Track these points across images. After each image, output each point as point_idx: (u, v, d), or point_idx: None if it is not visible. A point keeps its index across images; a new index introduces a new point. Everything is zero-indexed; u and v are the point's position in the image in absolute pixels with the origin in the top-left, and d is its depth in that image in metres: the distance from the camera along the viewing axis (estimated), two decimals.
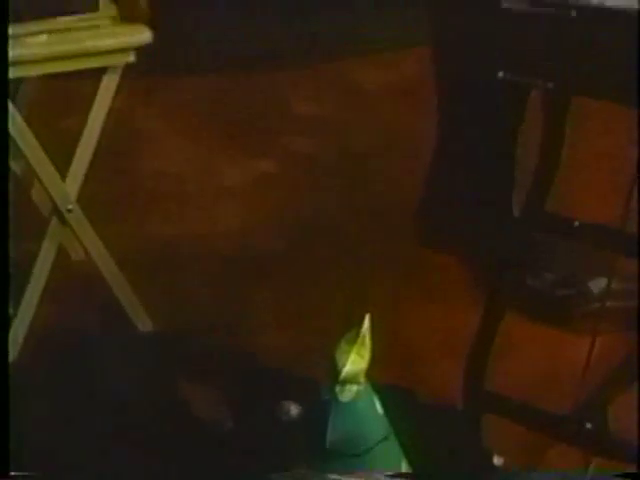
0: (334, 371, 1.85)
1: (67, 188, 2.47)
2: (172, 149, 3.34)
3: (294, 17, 3.66)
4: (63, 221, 2.49)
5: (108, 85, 2.47)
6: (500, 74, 2.11)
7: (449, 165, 2.70)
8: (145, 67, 2.47)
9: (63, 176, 2.48)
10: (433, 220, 2.76)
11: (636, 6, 1.96)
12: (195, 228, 2.99)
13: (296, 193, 3.13)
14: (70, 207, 2.48)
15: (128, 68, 2.46)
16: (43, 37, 2.33)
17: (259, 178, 3.21)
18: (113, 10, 2.44)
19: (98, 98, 2.49)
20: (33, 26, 2.34)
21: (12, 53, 2.25)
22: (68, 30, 2.37)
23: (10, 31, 2.26)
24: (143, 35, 2.43)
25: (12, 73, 2.28)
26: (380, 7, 3.68)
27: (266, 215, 3.04)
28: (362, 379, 1.86)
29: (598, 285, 2.49)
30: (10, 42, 2.25)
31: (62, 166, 2.50)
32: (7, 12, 2.11)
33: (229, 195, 3.14)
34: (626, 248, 2.13)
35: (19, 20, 2.30)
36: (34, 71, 2.38)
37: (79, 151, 2.48)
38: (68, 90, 2.86)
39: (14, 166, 2.68)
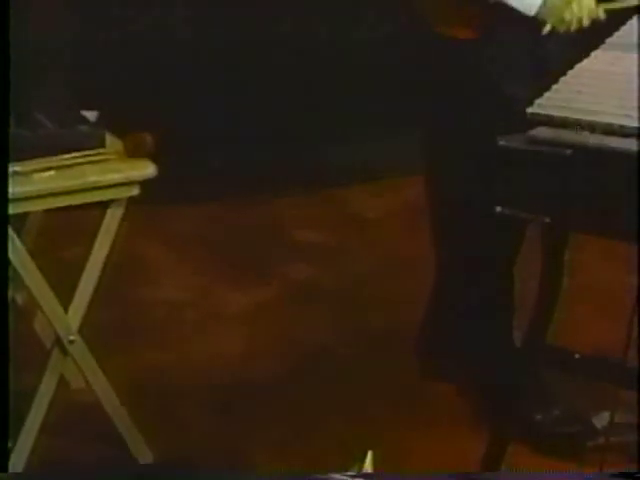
0: None
1: (69, 320, 2.49)
2: (173, 277, 3.36)
3: (296, 145, 3.73)
4: (65, 352, 2.50)
5: (112, 217, 2.51)
6: (498, 209, 2.14)
7: (449, 295, 2.71)
8: (148, 197, 2.51)
9: (66, 307, 2.50)
10: (433, 351, 2.76)
11: (632, 147, 2.01)
12: (195, 356, 2.99)
13: (296, 320, 3.14)
14: (72, 338, 2.49)
15: (132, 199, 2.50)
16: (50, 173, 2.38)
17: (259, 305, 3.23)
18: (119, 145, 2.49)
19: (102, 230, 2.52)
20: (41, 163, 2.38)
21: (19, 190, 2.31)
22: (74, 165, 2.42)
23: (18, 168, 2.33)
24: (148, 170, 2.47)
25: (18, 208, 2.34)
26: (380, 137, 3.75)
27: (266, 342, 3.05)
28: None
29: (601, 420, 2.48)
30: (17, 179, 2.32)
31: (65, 296, 2.52)
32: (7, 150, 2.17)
33: (230, 322, 3.15)
34: (627, 381, 2.14)
35: (28, 158, 2.35)
36: (40, 206, 2.43)
37: (82, 283, 2.50)
38: (72, 220, 2.90)
39: (17, 296, 2.70)
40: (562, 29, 2.40)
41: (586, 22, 2.40)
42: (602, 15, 2.42)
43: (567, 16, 2.38)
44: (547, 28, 2.40)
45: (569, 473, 2.13)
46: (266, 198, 3.68)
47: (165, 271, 3.40)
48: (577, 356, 2.25)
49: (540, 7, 2.37)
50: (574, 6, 2.38)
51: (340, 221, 3.65)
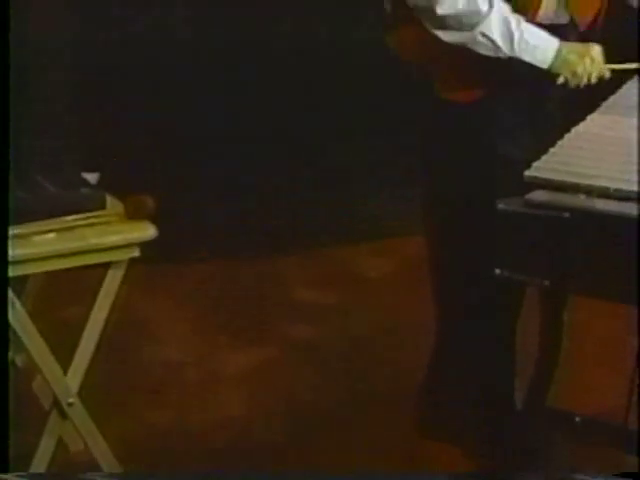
0: None
1: (68, 382, 2.48)
2: (173, 337, 3.36)
3: (297, 203, 3.74)
4: (63, 415, 2.49)
5: (112, 278, 2.52)
6: (497, 271, 2.15)
7: (449, 356, 2.71)
8: (148, 256, 2.52)
9: (65, 368, 2.50)
10: (434, 412, 2.75)
11: (629, 211, 2.02)
12: (195, 417, 2.98)
13: (297, 380, 3.13)
14: (71, 401, 2.48)
15: (132, 258, 2.51)
16: (50, 235, 2.39)
17: (259, 365, 3.22)
18: (120, 207, 2.51)
19: (102, 291, 2.53)
20: (41, 225, 2.40)
21: (19, 252, 2.32)
22: (75, 228, 2.43)
23: (18, 231, 2.34)
24: (148, 231, 2.48)
25: (18, 271, 2.34)
26: (381, 195, 3.77)
27: (266, 403, 3.03)
28: None
29: None
30: (18, 241, 2.33)
31: (65, 357, 2.52)
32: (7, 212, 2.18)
33: (229, 383, 3.14)
34: (627, 445, 2.13)
35: (28, 220, 2.36)
36: (40, 268, 2.43)
37: (82, 344, 2.50)
38: (73, 280, 2.90)
39: (17, 358, 2.70)
40: (574, 83, 2.42)
41: (594, 79, 2.43)
42: (608, 74, 2.45)
43: (580, 70, 2.40)
44: (560, 80, 2.42)
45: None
46: (266, 257, 3.68)
47: (164, 331, 3.39)
48: (578, 419, 2.25)
49: (553, 60, 2.40)
50: (587, 61, 2.40)
51: (341, 280, 3.65)
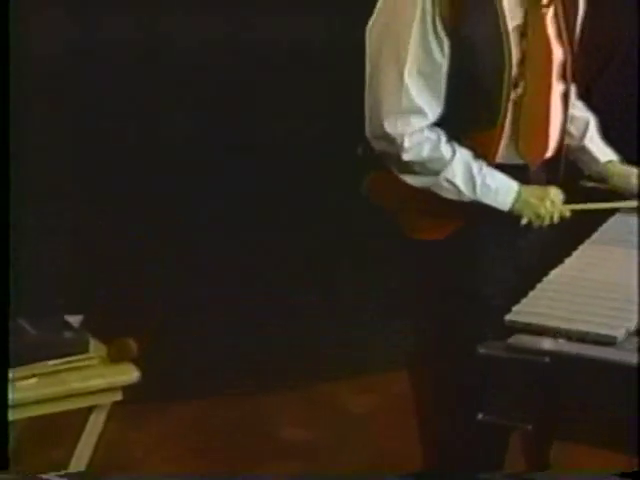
0: None
1: None
2: (158, 477, 3.32)
3: (280, 343, 3.74)
4: None
5: (95, 421, 2.52)
6: (480, 416, 2.14)
7: None
8: (132, 396, 2.51)
9: None
10: None
11: (608, 355, 2.03)
12: None
13: None
14: None
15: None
16: (33, 380, 2.39)
17: None
18: (103, 350, 2.51)
19: (85, 434, 2.52)
20: (24, 370, 2.40)
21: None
22: (57, 372, 2.43)
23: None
24: (131, 375, 2.49)
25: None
26: (366, 332, 3.77)
27: None
28: None
29: None
30: None
31: None
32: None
33: None
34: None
35: (11, 365, 2.35)
36: (22, 414, 2.42)
37: None
38: (56, 421, 2.89)
39: None
40: (537, 224, 2.48)
41: (556, 219, 2.49)
42: (568, 214, 2.51)
43: (542, 211, 2.48)
44: (524, 221, 2.48)
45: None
46: (251, 395, 3.66)
47: (149, 471, 3.35)
48: None
49: (514, 203, 2.46)
50: (547, 203, 2.48)
51: (326, 417, 3.63)
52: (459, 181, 2.44)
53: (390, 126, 2.41)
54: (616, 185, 2.65)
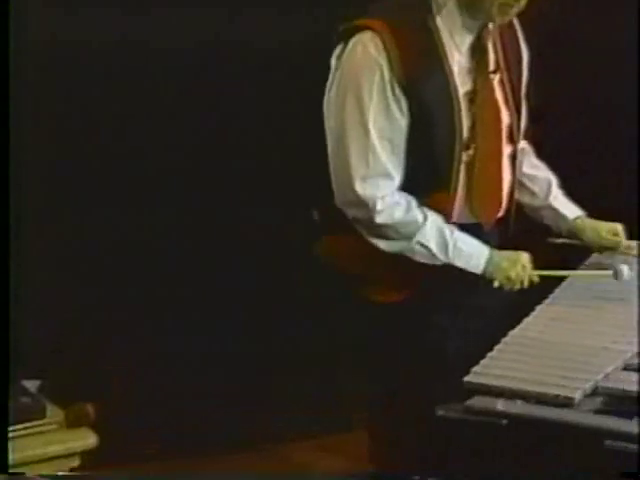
0: None
1: None
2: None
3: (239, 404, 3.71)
4: None
5: None
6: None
7: None
8: (90, 464, 2.48)
9: None
10: None
11: (566, 417, 2.04)
12: None
13: None
14: None
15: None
16: None
17: None
18: (60, 416, 2.49)
19: None
20: None
21: None
22: (14, 439, 2.40)
23: None
24: (89, 440, 2.47)
25: None
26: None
27: None
28: None
29: None
30: None
31: None
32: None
33: None
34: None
35: None
36: None
37: None
38: None
39: None
40: (507, 287, 2.51)
41: (526, 284, 2.51)
42: (537, 279, 2.54)
43: (513, 275, 2.50)
44: (495, 284, 2.51)
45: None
46: (212, 456, 3.63)
47: None
48: None
49: (486, 266, 2.50)
50: (519, 267, 2.51)
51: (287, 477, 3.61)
52: (433, 245, 2.46)
53: (361, 189, 2.43)
54: (589, 239, 2.71)
